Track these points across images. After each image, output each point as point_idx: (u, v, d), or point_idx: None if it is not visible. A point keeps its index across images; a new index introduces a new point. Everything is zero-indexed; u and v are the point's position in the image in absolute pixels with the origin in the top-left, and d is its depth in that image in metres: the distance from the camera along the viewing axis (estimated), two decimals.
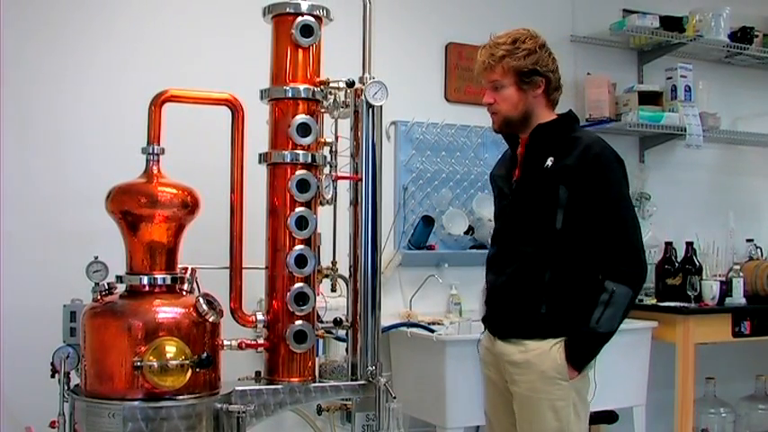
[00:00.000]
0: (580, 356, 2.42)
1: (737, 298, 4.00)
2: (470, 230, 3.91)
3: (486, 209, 3.89)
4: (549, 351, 2.41)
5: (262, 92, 2.64)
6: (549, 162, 2.45)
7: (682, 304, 3.86)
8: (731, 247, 4.31)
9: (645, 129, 4.24)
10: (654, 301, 4.00)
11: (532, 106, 2.50)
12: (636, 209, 4.28)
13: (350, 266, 2.68)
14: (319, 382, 2.61)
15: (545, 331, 2.43)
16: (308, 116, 2.58)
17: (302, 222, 2.55)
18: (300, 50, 2.60)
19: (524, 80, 2.47)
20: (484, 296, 2.69)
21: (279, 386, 2.54)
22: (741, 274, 4.07)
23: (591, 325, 2.38)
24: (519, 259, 2.49)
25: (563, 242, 2.43)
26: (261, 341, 2.58)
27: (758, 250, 4.40)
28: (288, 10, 2.60)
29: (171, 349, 2.31)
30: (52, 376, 2.47)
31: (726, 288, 3.99)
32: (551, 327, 2.43)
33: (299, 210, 2.56)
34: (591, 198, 2.40)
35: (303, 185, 2.55)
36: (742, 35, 4.50)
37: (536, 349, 2.43)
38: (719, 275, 4.05)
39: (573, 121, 2.59)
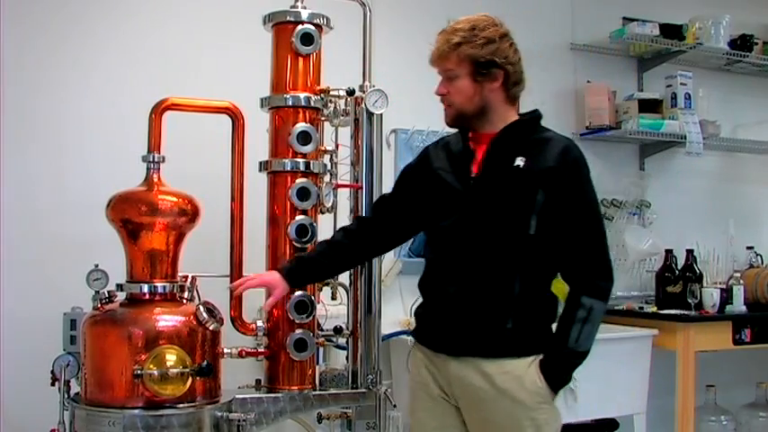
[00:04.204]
0: (559, 378, 2.19)
1: (738, 305, 3.99)
2: None
3: None
4: (523, 376, 2.16)
5: (262, 100, 2.64)
6: (521, 162, 2.20)
7: (682, 312, 3.85)
8: (731, 254, 4.29)
9: (645, 136, 4.23)
10: (654, 309, 3.98)
11: (489, 100, 2.25)
12: (636, 216, 4.34)
13: (350, 275, 2.68)
14: (319, 390, 2.62)
15: (511, 349, 2.18)
16: (309, 124, 2.59)
17: (303, 231, 2.56)
18: (301, 59, 2.62)
19: (480, 71, 2.22)
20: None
21: (279, 394, 2.54)
22: (741, 281, 4.06)
23: (570, 345, 2.15)
24: (481, 267, 2.20)
25: (535, 249, 2.19)
26: (261, 349, 2.58)
27: (758, 258, 4.39)
28: (288, 18, 2.61)
29: (171, 357, 2.31)
30: (52, 384, 2.48)
31: (726, 296, 3.97)
32: (519, 344, 2.19)
33: (299, 218, 2.56)
34: (568, 204, 2.18)
35: (303, 194, 2.56)
36: (742, 43, 4.49)
37: (505, 373, 2.17)
38: (720, 283, 4.04)
39: (539, 120, 2.35)
